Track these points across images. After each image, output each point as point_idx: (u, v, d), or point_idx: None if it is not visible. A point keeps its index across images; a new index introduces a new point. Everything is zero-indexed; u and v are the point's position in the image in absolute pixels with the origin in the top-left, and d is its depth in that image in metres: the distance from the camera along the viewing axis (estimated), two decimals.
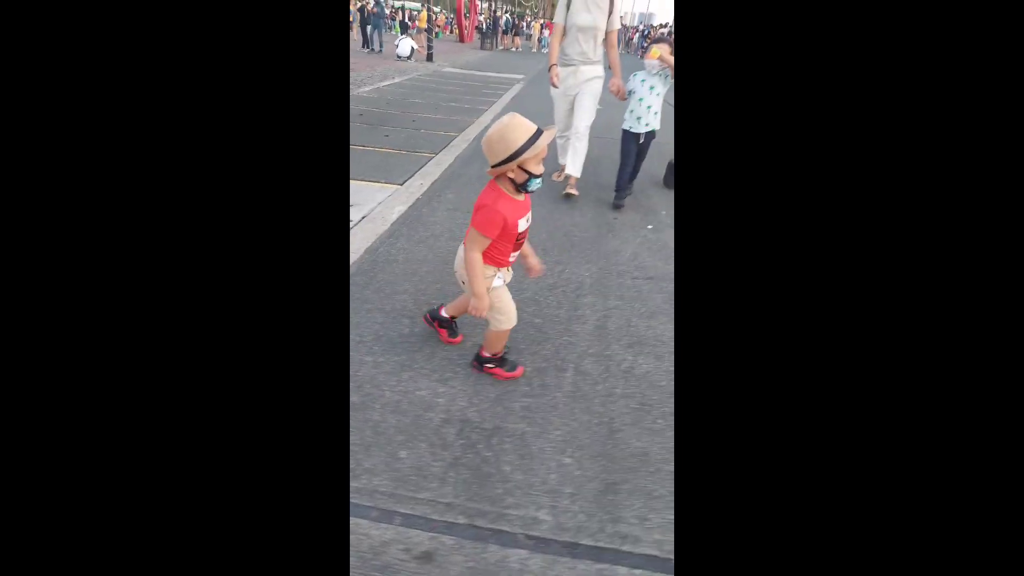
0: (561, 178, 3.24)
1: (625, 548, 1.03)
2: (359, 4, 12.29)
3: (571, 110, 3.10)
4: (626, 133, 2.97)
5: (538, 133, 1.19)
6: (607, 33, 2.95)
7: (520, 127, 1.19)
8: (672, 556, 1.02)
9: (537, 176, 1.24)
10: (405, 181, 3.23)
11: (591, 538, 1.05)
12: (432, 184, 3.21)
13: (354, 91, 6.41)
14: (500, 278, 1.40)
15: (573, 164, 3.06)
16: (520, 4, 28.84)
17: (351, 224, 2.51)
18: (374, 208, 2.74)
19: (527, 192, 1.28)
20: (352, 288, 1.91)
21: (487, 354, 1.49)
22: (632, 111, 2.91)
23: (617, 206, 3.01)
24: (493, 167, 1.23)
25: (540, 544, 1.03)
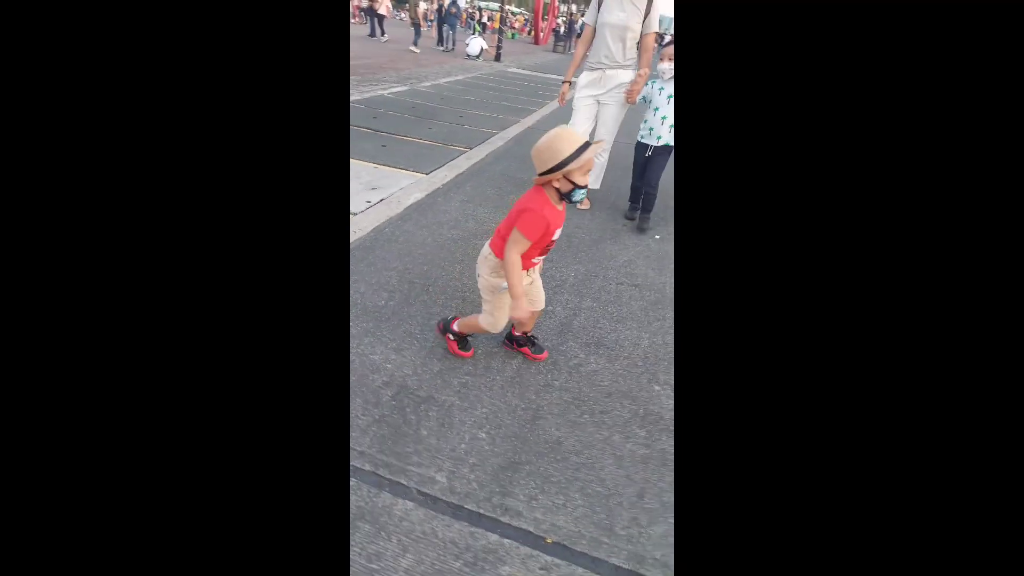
0: None
1: (504, 519, 1.10)
2: (438, 4, 12.84)
3: (592, 119, 2.91)
4: (637, 144, 2.80)
5: (585, 146, 1.24)
6: (642, 36, 2.66)
7: (568, 138, 1.24)
8: (545, 534, 1.08)
9: (582, 187, 1.28)
10: (431, 171, 3.41)
11: (476, 504, 1.12)
12: (456, 176, 3.37)
13: (414, 86, 6.75)
14: (506, 286, 1.41)
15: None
16: None
17: (368, 205, 2.72)
18: (394, 192, 2.94)
19: (569, 202, 1.33)
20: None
21: (456, 327, 1.60)
22: (646, 121, 2.72)
23: (628, 217, 2.99)
24: (540, 175, 1.28)
25: (428, 500, 1.12)
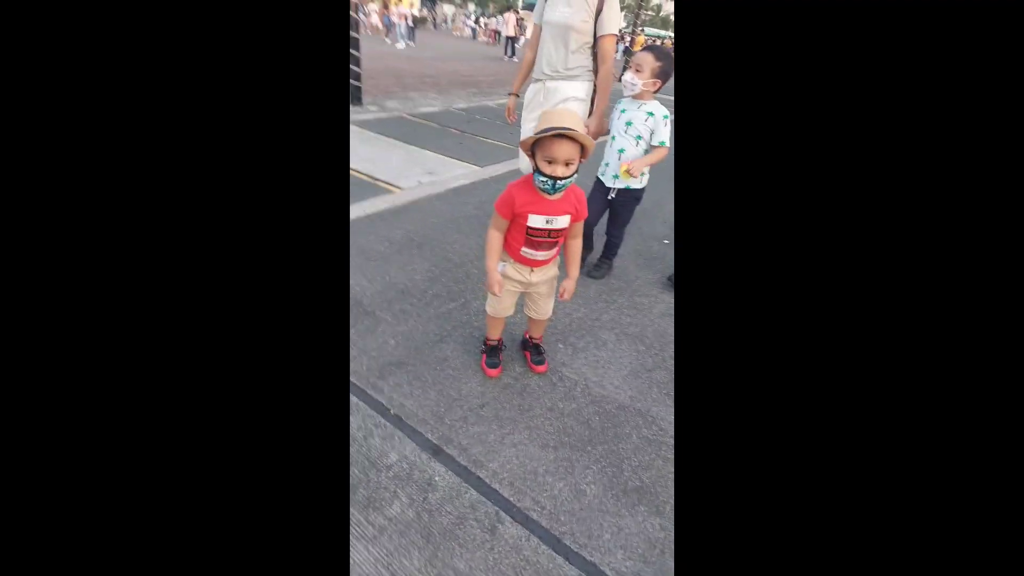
0: None
1: (368, 391, 1.44)
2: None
3: None
4: (597, 180, 2.10)
5: (560, 133, 1.06)
6: (598, 39, 1.98)
7: (555, 117, 1.09)
8: (391, 407, 1.39)
9: (543, 175, 1.13)
10: (487, 165, 3.86)
11: (351, 380, 1.48)
12: (508, 171, 3.77)
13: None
14: (503, 265, 1.36)
15: None
16: None
17: (419, 184, 3.26)
18: (443, 177, 3.46)
19: (541, 189, 1.17)
20: (370, 217, 2.63)
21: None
22: (607, 151, 2.04)
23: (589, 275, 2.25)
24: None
25: None
